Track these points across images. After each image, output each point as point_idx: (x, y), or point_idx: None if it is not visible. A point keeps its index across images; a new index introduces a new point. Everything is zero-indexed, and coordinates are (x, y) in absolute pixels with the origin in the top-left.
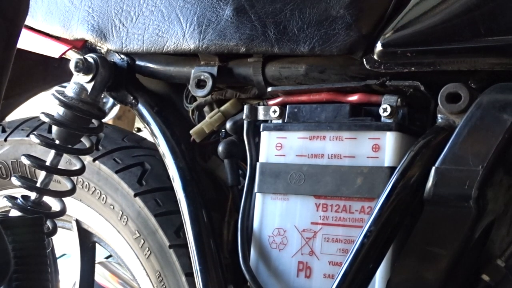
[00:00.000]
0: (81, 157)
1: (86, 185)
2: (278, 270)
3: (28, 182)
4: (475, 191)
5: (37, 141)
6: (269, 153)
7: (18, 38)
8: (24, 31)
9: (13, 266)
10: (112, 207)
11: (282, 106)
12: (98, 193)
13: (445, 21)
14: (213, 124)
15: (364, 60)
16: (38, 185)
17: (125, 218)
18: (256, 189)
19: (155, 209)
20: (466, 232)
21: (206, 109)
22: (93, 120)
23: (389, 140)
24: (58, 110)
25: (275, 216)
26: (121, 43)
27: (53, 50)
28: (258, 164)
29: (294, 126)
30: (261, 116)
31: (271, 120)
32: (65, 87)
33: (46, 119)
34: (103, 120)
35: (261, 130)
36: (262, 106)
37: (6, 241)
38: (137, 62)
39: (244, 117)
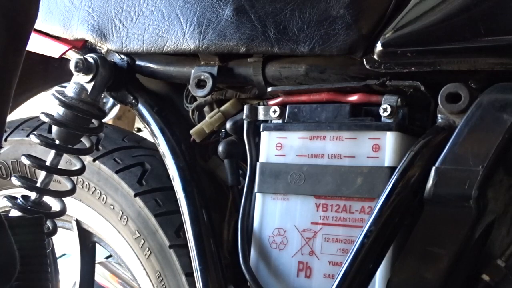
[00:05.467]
0: (81, 157)
1: (86, 185)
2: (278, 270)
3: (28, 182)
4: (475, 191)
5: (37, 141)
6: (269, 153)
7: (27, 42)
8: None
9: (19, 267)
10: (112, 207)
11: (282, 106)
12: (98, 193)
13: (445, 21)
14: (213, 124)
15: (364, 60)
16: (38, 185)
17: (125, 218)
18: (256, 189)
19: (155, 209)
20: (466, 232)
21: (206, 109)
22: (93, 120)
23: (389, 140)
24: (58, 110)
25: (275, 216)
26: (121, 43)
27: (53, 50)
28: (258, 164)
29: (294, 126)
30: (261, 116)
31: (271, 120)
32: (65, 87)
33: (46, 119)
34: (103, 120)
35: (261, 130)
36: (262, 106)
37: (13, 243)
38: (137, 62)
39: (244, 117)
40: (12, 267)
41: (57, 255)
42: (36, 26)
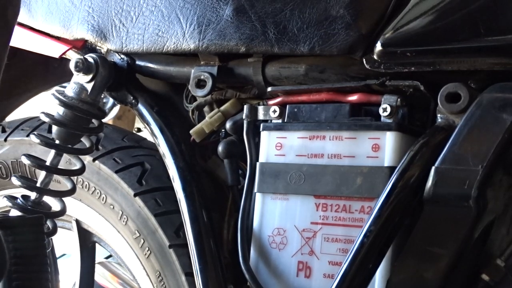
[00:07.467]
0: (81, 157)
1: (86, 185)
2: (278, 270)
3: (28, 182)
4: (475, 190)
5: (37, 141)
6: (269, 153)
7: (11, 38)
8: (24, 31)
9: (8, 266)
10: (112, 207)
11: (282, 106)
12: (98, 193)
13: (445, 21)
14: (213, 124)
15: (364, 60)
16: (38, 185)
17: (125, 218)
18: (256, 189)
19: (155, 209)
20: (466, 232)
21: (206, 109)
22: (93, 120)
23: (389, 140)
24: (58, 110)
25: (275, 216)
26: (121, 43)
27: (53, 50)
28: (258, 164)
29: (294, 126)
30: (261, 116)
31: (271, 120)
32: (65, 87)
33: (46, 119)
34: (103, 120)
35: (261, 130)
36: (262, 106)
37: (3, 242)
38: (137, 62)
39: (244, 117)
40: (1, 266)
41: (57, 255)
42: (36, 26)
